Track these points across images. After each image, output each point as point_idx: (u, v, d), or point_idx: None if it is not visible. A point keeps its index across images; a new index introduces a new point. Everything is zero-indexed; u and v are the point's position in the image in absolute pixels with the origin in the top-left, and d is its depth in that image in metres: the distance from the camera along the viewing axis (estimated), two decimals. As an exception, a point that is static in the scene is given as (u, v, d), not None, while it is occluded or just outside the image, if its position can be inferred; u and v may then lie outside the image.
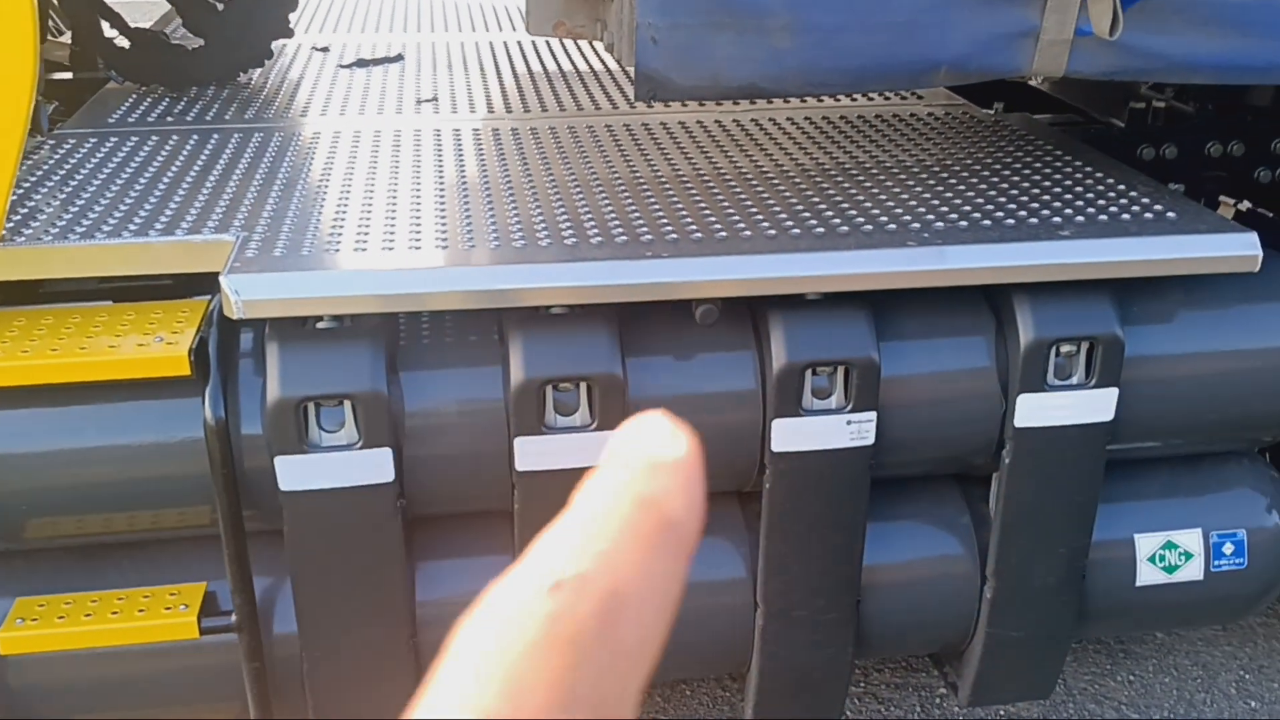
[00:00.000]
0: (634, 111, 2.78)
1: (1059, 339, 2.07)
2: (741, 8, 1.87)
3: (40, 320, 1.95)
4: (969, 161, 2.43)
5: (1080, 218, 2.12)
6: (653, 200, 2.18)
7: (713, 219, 2.09)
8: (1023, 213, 2.14)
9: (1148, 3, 1.94)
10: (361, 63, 3.27)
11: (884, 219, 2.10)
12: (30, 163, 2.34)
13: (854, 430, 2.05)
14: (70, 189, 2.23)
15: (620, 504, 0.34)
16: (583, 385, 1.95)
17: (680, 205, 2.15)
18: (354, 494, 1.94)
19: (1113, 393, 2.11)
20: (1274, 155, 2.83)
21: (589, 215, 2.10)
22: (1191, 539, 2.37)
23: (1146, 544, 2.35)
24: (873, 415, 2.04)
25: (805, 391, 2.02)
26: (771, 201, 2.18)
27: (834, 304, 2.02)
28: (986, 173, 2.36)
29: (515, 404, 1.93)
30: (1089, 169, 2.38)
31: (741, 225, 2.06)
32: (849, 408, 2.03)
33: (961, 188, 2.26)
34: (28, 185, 2.23)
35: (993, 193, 2.24)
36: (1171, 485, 2.43)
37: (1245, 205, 2.91)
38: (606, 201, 2.17)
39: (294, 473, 1.91)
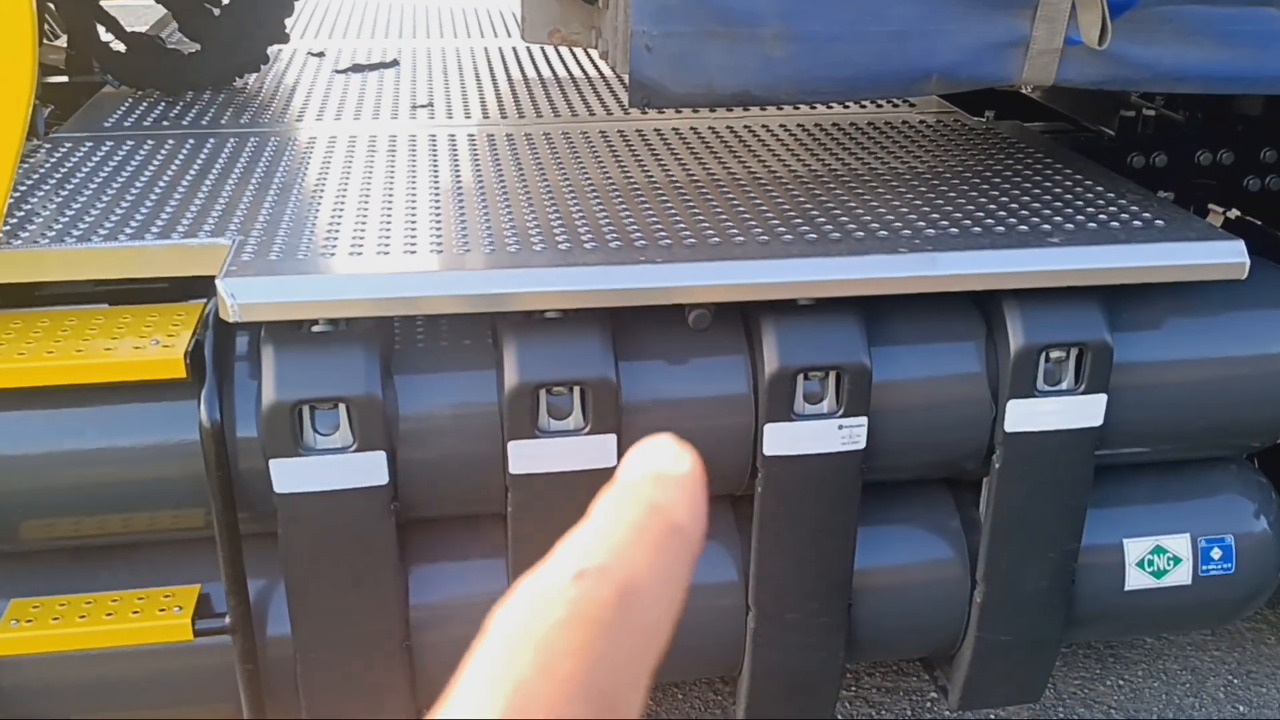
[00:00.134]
0: (628, 118, 2.80)
1: (1049, 345, 2.09)
2: (735, 17, 1.89)
3: (36, 323, 1.96)
4: (960, 169, 2.45)
5: (1070, 225, 2.14)
6: (646, 205, 2.20)
7: (706, 224, 2.10)
8: (1013, 220, 2.16)
9: (1136, 13, 1.96)
10: (357, 68, 3.28)
11: (875, 225, 2.11)
12: (26, 166, 2.35)
13: (845, 435, 2.06)
14: (66, 192, 2.24)
15: (634, 510, 0.39)
16: (576, 389, 1.96)
17: (673, 211, 2.17)
18: (348, 497, 1.95)
19: (1102, 398, 2.13)
20: (1263, 164, 2.85)
21: (583, 220, 2.12)
22: (1180, 544, 2.38)
23: (1135, 549, 2.37)
24: (864, 420, 2.06)
25: (797, 396, 2.04)
26: (764, 207, 2.19)
27: (826, 309, 2.03)
28: (977, 180, 2.38)
29: (509, 408, 1.94)
30: (1079, 177, 2.40)
31: (734, 231, 2.08)
32: (840, 412, 2.05)
33: (953, 195, 2.28)
34: (24, 188, 2.24)
35: (984, 200, 2.26)
36: (1160, 490, 2.45)
37: (1234, 213, 2.94)
38: (600, 206, 2.19)
39: (288, 475, 1.92)
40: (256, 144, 2.55)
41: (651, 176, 2.37)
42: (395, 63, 3.35)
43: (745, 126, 2.72)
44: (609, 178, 2.35)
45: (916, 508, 2.36)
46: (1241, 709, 2.87)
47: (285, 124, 2.74)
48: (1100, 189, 2.33)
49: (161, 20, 3.45)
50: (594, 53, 2.37)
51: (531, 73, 3.29)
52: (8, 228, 2.05)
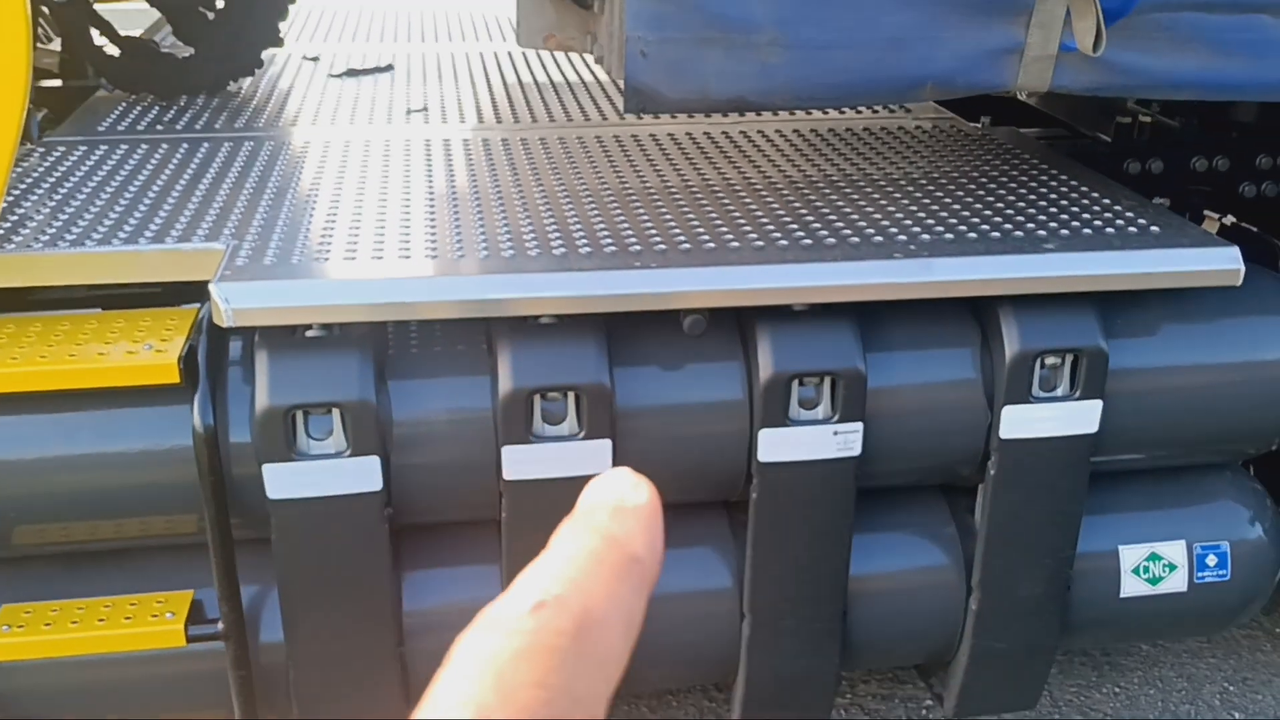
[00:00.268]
0: (623, 123, 2.79)
1: (1044, 351, 2.09)
2: (731, 23, 1.89)
3: (29, 327, 1.95)
4: (955, 175, 2.45)
5: (1065, 231, 2.14)
6: (641, 211, 2.19)
7: (701, 230, 2.10)
8: (1008, 226, 2.16)
9: (1131, 20, 1.96)
10: (352, 72, 3.28)
11: (871, 231, 2.11)
12: (20, 170, 2.35)
13: (840, 441, 2.06)
14: (60, 197, 2.23)
15: (592, 541, 0.41)
16: (570, 395, 1.96)
17: (668, 216, 2.17)
18: (342, 502, 1.94)
19: (1097, 405, 2.13)
20: (1258, 170, 2.86)
21: (578, 226, 2.11)
22: (1175, 551, 2.38)
23: (1131, 556, 2.37)
24: (859, 426, 2.05)
25: (792, 402, 2.04)
26: (759, 213, 2.19)
27: (821, 315, 2.03)
28: (973, 186, 2.38)
29: (503, 413, 1.93)
30: (1074, 183, 2.40)
31: (729, 236, 2.07)
32: (835, 418, 2.04)
33: (948, 201, 2.28)
34: (18, 192, 2.23)
35: (979, 206, 2.26)
36: (1155, 497, 2.45)
37: (1229, 220, 2.94)
38: (595, 212, 2.19)
39: (282, 481, 1.91)
40: (251, 149, 2.55)
41: (646, 182, 2.37)
42: (390, 67, 3.34)
43: (741, 132, 2.72)
44: (604, 183, 2.35)
45: (912, 514, 2.36)
46: (1237, 716, 2.87)
47: (280, 129, 2.73)
48: (1096, 195, 2.33)
49: (155, 24, 3.44)
50: (589, 58, 2.37)
51: (527, 78, 3.29)
52: (1, 232, 2.04)
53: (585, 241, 2.04)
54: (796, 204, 2.25)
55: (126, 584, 2.09)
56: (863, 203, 2.26)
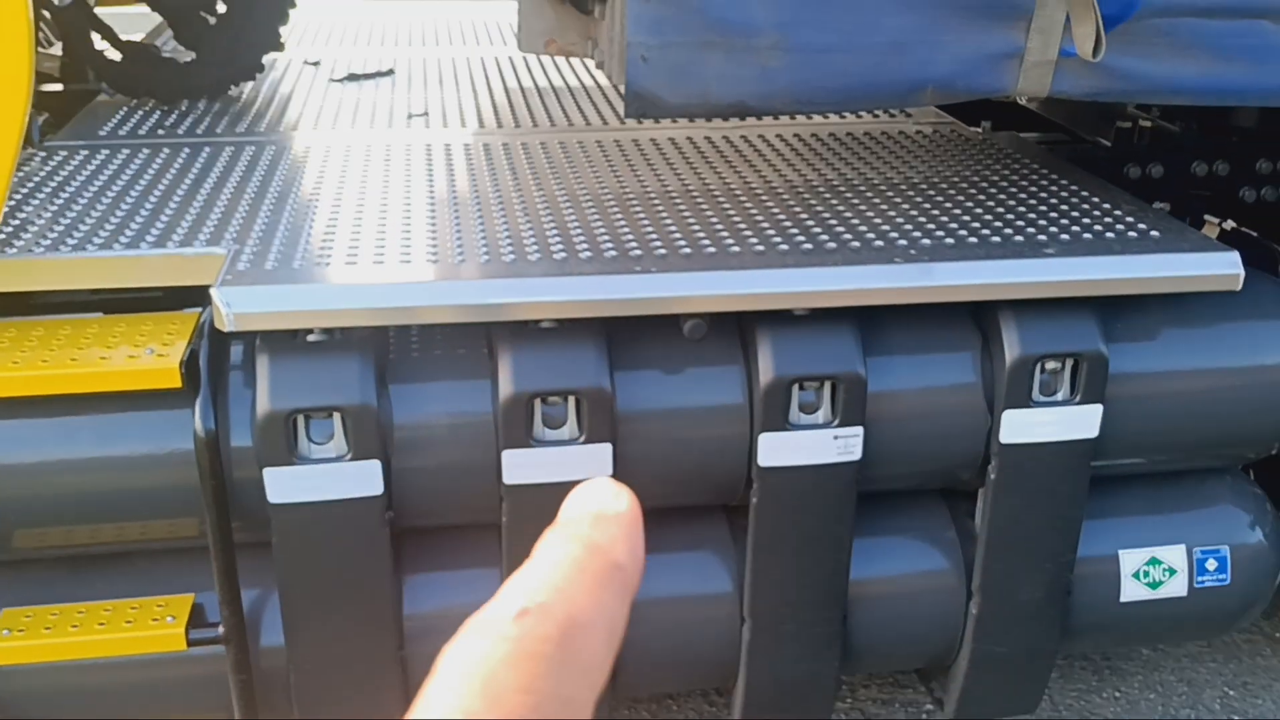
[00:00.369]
0: (624, 128, 2.80)
1: (1044, 355, 2.09)
2: (731, 28, 1.89)
3: (31, 332, 1.96)
4: (956, 179, 2.45)
5: (1066, 236, 2.15)
6: (642, 216, 2.20)
7: (701, 235, 2.10)
8: (1009, 230, 2.16)
9: (1131, 25, 1.96)
10: (353, 77, 3.28)
11: (871, 236, 2.11)
12: (21, 174, 2.35)
13: (841, 445, 2.06)
14: (61, 201, 2.23)
15: (574, 549, 0.42)
16: (571, 399, 1.96)
17: (669, 221, 2.17)
18: (342, 506, 1.94)
19: (1097, 409, 2.13)
20: (1258, 175, 2.86)
21: (578, 230, 2.12)
22: (1175, 555, 2.38)
23: (1131, 560, 2.37)
24: (859, 430, 2.06)
25: (792, 406, 2.04)
26: (760, 218, 2.19)
27: (821, 319, 2.03)
28: (973, 190, 2.38)
29: (504, 417, 1.94)
30: (1075, 188, 2.41)
31: (730, 241, 2.08)
32: (836, 422, 2.05)
33: (948, 205, 2.28)
34: (19, 197, 2.24)
35: (979, 210, 2.26)
36: (1155, 501, 2.45)
37: (1230, 224, 2.94)
38: (596, 217, 2.19)
39: (283, 485, 1.92)
40: (252, 153, 2.55)
41: (647, 187, 2.37)
42: (390, 72, 3.35)
43: (741, 137, 2.73)
44: (604, 187, 2.36)
45: (912, 518, 2.36)
46: (1237, 720, 2.87)
47: (281, 133, 2.74)
48: (1096, 200, 2.33)
49: (157, 29, 3.45)
50: (590, 63, 2.37)
51: (527, 82, 3.29)
52: (2, 236, 2.05)
53: (586, 246, 2.04)
54: (797, 208, 2.25)
55: (127, 588, 2.09)
56: (863, 207, 2.26)
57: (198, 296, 1.99)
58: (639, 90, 1.91)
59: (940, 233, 2.14)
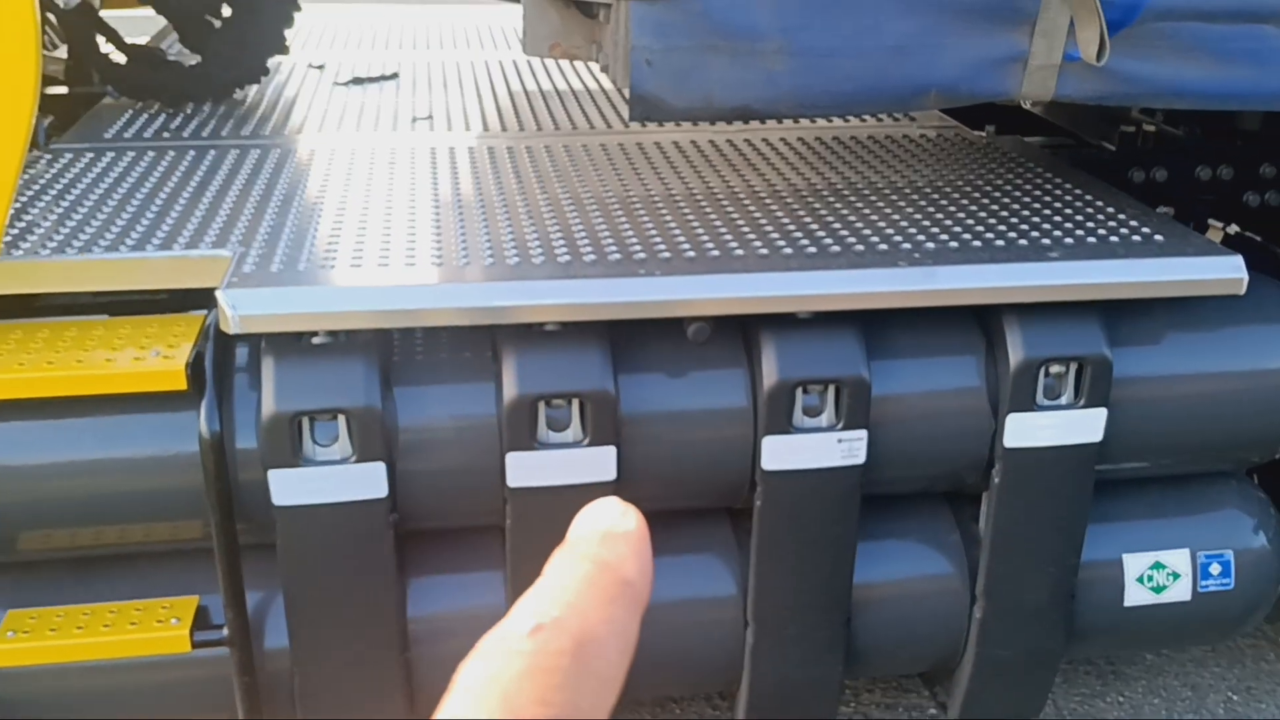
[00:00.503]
0: (628, 131, 2.80)
1: (1048, 359, 2.09)
2: (735, 32, 1.89)
3: (36, 334, 1.96)
4: (960, 183, 2.45)
5: (1070, 240, 2.15)
6: (646, 219, 2.20)
7: (705, 238, 2.10)
8: (1013, 234, 2.16)
9: (1134, 29, 1.97)
10: (357, 80, 3.29)
11: (875, 239, 2.12)
12: (26, 177, 2.36)
13: (845, 448, 2.06)
14: (67, 203, 2.24)
15: (585, 567, 0.43)
16: (575, 402, 1.96)
17: (673, 224, 2.17)
18: (347, 509, 1.95)
19: (1101, 413, 2.13)
20: (1262, 179, 2.86)
21: (583, 233, 2.12)
22: (1179, 559, 2.38)
23: (1134, 564, 2.36)
24: (863, 433, 2.06)
25: (796, 409, 2.04)
26: (764, 221, 2.20)
27: (825, 323, 2.03)
28: (977, 194, 2.38)
29: (508, 420, 1.94)
30: (1078, 191, 2.41)
31: (734, 244, 2.08)
32: (840, 426, 2.05)
33: (952, 209, 2.28)
34: (24, 199, 2.24)
35: (983, 214, 2.26)
36: (1159, 505, 2.44)
37: (1233, 228, 2.94)
38: (600, 220, 2.19)
39: (287, 487, 1.92)
40: (257, 156, 2.56)
41: (651, 190, 2.37)
42: (395, 75, 3.36)
43: (745, 141, 2.73)
44: (609, 191, 2.36)
45: (916, 522, 2.36)
46: (1241, 725, 2.86)
47: (286, 136, 2.74)
48: (1100, 204, 2.33)
49: (162, 32, 3.46)
50: (595, 66, 2.37)
51: (532, 86, 3.30)
52: (8, 239, 2.05)
53: (590, 249, 2.05)
54: (801, 212, 2.25)
55: (132, 589, 2.09)
56: (867, 211, 2.26)
57: (203, 299, 2.00)
58: (643, 94, 1.92)
59: (944, 236, 2.14)
